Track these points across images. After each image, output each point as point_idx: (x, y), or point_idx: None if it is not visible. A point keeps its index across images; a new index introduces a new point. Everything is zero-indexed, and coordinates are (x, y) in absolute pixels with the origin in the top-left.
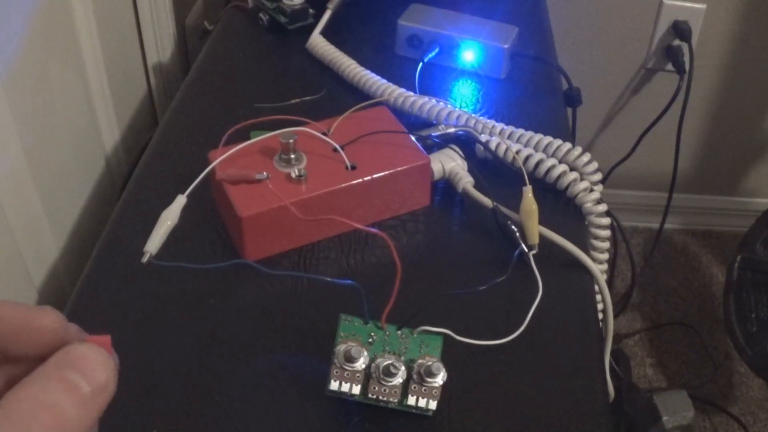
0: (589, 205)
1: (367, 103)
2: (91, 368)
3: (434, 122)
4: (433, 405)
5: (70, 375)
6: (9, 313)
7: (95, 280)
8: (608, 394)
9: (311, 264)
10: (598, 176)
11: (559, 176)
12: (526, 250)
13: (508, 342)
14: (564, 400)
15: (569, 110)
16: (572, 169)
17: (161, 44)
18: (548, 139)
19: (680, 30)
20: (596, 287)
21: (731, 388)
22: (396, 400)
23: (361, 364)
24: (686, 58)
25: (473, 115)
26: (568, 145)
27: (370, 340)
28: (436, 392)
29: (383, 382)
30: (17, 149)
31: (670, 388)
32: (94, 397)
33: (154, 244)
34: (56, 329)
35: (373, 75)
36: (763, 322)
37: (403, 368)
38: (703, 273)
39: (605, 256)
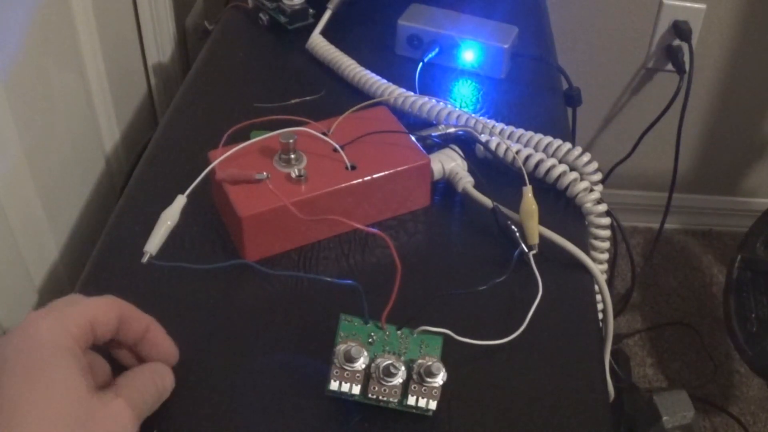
0: (589, 205)
1: (367, 103)
2: (165, 380)
3: (434, 122)
4: (433, 405)
5: (157, 377)
6: (125, 310)
7: (95, 280)
8: (608, 394)
9: (311, 264)
10: (598, 176)
11: (559, 176)
12: (526, 250)
13: (508, 342)
14: (564, 400)
15: (569, 110)
16: (572, 169)
17: (161, 44)
18: (548, 139)
19: (680, 30)
20: (596, 287)
21: (731, 388)
22: (396, 400)
23: (361, 364)
24: (686, 58)
25: (473, 115)
26: (568, 145)
27: (370, 340)
28: (436, 392)
29: (383, 382)
30: (17, 149)
31: (670, 388)
32: (160, 395)
33: (154, 244)
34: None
35: (373, 75)
36: (763, 322)
37: (403, 368)
38: (703, 273)
39: (605, 256)
